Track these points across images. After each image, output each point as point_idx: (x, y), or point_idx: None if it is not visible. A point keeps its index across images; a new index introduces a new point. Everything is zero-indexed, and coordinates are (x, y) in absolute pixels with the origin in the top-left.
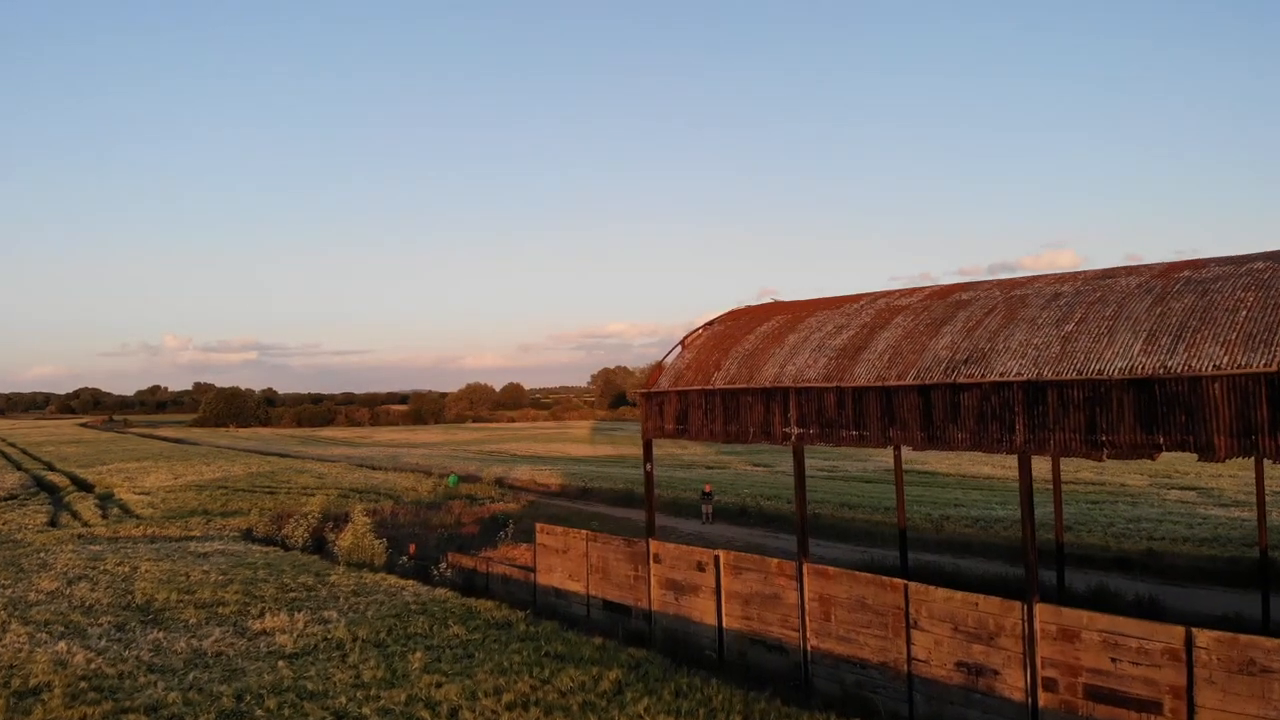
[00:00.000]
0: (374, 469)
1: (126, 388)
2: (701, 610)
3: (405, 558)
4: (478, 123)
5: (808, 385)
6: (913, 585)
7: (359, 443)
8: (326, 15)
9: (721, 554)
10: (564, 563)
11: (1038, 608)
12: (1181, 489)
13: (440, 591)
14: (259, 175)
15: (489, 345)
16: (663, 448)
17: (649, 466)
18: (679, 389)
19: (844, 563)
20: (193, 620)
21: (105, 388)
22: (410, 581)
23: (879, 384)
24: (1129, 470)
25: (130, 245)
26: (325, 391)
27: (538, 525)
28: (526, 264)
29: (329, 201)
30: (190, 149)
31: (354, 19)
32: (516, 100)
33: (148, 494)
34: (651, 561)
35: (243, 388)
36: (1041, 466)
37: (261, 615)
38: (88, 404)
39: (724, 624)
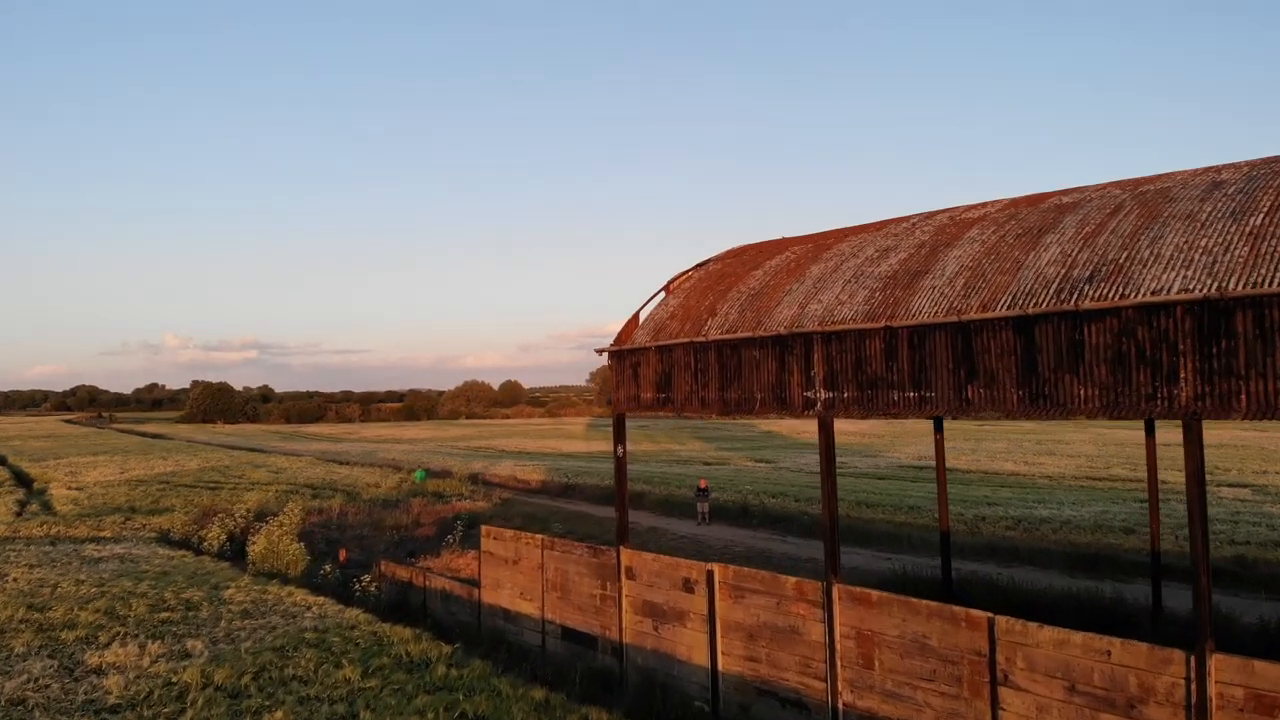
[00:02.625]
0: (342, 464)
1: (125, 386)
2: (689, 645)
3: (330, 566)
4: (478, 123)
5: (841, 328)
6: (1003, 620)
7: (342, 438)
8: (327, 17)
9: (717, 569)
10: (514, 576)
11: (1214, 660)
12: (1231, 486)
13: (352, 613)
14: (261, 176)
15: (490, 345)
16: (658, 443)
17: (620, 450)
18: (660, 344)
19: (867, 573)
20: (20, 649)
21: (105, 386)
22: (321, 599)
23: (953, 319)
24: (1162, 465)
25: (132, 245)
26: (325, 390)
27: (483, 528)
28: (526, 264)
29: (330, 202)
30: (192, 150)
31: (355, 21)
32: (516, 100)
33: (81, 489)
34: (623, 577)
35: (239, 386)
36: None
37: (109, 644)
38: (84, 401)
39: (720, 666)
